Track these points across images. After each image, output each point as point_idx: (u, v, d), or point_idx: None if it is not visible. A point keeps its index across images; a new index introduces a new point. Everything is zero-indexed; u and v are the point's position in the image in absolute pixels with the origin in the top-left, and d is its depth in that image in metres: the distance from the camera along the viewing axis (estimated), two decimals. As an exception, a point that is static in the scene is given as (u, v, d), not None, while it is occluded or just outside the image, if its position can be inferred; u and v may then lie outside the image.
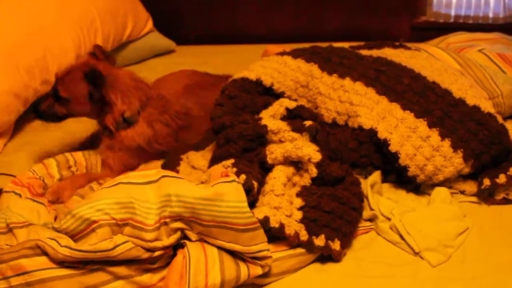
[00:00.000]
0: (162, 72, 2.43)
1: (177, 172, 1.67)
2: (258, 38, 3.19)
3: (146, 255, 1.29)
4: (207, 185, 1.34)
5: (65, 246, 1.25)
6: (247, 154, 1.57)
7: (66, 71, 1.73)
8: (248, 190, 1.37)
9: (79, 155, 1.82)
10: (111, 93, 1.72)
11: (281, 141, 1.60)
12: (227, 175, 1.34)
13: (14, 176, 1.71)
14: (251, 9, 3.37)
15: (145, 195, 1.32)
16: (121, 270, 1.28)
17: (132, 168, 1.79)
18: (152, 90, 1.86)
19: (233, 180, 1.31)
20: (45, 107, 1.75)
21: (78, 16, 2.38)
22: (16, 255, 1.27)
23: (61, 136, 2.00)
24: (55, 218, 1.51)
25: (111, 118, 1.74)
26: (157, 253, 1.30)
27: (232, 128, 1.60)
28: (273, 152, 1.55)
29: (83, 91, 1.70)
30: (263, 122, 1.61)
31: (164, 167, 1.73)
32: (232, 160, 1.51)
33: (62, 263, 1.27)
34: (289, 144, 1.54)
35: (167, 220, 1.30)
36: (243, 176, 1.40)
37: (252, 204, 1.41)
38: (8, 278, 1.25)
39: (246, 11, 3.38)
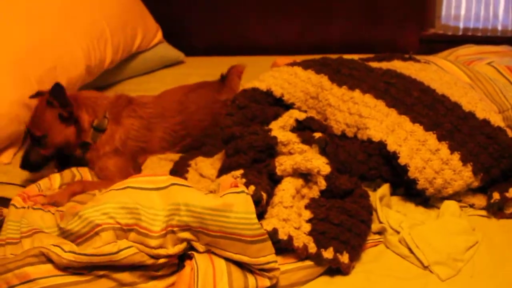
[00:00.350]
0: (171, 83, 2.44)
1: (186, 179, 1.67)
2: (266, 49, 3.21)
3: (150, 261, 1.29)
4: (216, 195, 1.34)
5: (70, 251, 1.26)
6: (257, 165, 1.57)
7: (30, 117, 1.77)
8: (257, 201, 1.37)
9: (85, 170, 1.83)
10: (75, 109, 1.76)
11: (290, 153, 1.60)
12: (236, 186, 1.35)
13: (23, 186, 1.73)
14: (259, 21, 3.39)
15: (152, 201, 1.32)
16: (126, 277, 1.28)
17: (127, 170, 1.81)
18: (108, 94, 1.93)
19: (242, 191, 1.31)
20: (34, 157, 1.76)
21: (88, 28, 2.40)
22: (21, 264, 1.27)
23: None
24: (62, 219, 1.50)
25: (84, 132, 1.79)
26: (161, 261, 1.30)
27: (242, 139, 1.60)
28: (283, 163, 1.55)
29: (52, 119, 1.75)
30: (273, 133, 1.61)
31: (172, 173, 1.73)
32: (241, 171, 1.51)
33: (67, 269, 1.27)
34: (299, 156, 1.54)
35: (175, 228, 1.30)
36: (252, 187, 1.40)
37: (260, 216, 1.41)
38: (13, 286, 1.25)
39: (254, 22, 3.40)
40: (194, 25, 3.41)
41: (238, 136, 1.61)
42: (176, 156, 1.88)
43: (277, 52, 2.98)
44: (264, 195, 1.42)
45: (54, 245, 1.29)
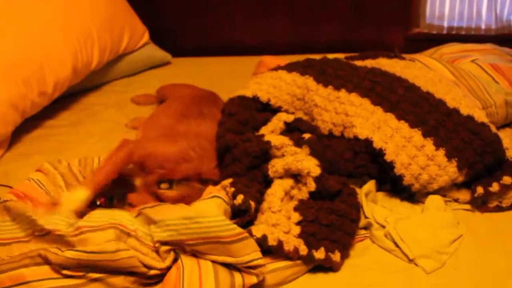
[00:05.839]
0: (157, 84, 2.45)
1: None
2: (253, 50, 3.22)
3: (143, 269, 1.29)
4: (185, 205, 1.37)
5: (69, 249, 1.27)
6: (252, 171, 1.59)
7: None
8: (245, 210, 1.39)
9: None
10: None
11: (283, 156, 1.61)
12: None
13: (11, 187, 1.72)
14: (246, 21, 3.40)
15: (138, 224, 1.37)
16: (120, 281, 1.29)
17: None
18: None
19: (214, 196, 1.34)
20: None
21: (75, 29, 2.39)
22: (16, 265, 1.27)
23: (58, 145, 2.02)
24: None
25: None
26: (152, 272, 1.31)
27: (236, 148, 1.61)
28: (274, 165, 1.57)
29: None
30: (266, 138, 1.62)
31: None
32: (230, 180, 1.52)
33: (63, 269, 1.28)
34: (290, 157, 1.56)
35: (157, 244, 1.32)
36: (240, 196, 1.42)
37: (250, 224, 1.43)
38: (5, 288, 1.26)
39: (241, 23, 3.40)
40: (180, 26, 3.41)
41: (232, 146, 1.62)
42: None
43: (264, 53, 2.97)
44: (253, 204, 1.43)
45: (52, 247, 1.31)
